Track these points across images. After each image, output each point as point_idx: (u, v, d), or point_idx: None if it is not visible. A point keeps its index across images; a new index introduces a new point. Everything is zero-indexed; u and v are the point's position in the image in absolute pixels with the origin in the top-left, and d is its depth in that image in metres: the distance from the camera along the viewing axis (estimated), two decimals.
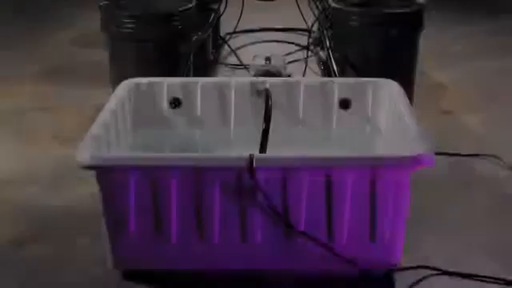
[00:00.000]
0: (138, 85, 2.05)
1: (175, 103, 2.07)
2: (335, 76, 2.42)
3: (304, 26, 3.56)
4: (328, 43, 2.65)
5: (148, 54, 2.57)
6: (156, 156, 1.67)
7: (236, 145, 2.06)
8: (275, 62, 2.69)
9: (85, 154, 1.55)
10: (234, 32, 3.69)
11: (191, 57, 2.54)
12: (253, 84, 2.06)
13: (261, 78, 2.09)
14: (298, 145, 2.05)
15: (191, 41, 2.65)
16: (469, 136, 2.55)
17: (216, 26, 3.39)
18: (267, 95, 1.97)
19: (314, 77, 2.65)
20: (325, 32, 2.70)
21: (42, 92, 3.05)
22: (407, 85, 2.58)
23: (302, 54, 3.49)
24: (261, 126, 1.94)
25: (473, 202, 2.09)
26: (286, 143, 2.02)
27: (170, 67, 2.55)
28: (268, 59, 2.69)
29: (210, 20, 2.92)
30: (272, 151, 1.81)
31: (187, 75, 2.56)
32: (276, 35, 3.86)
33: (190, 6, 2.64)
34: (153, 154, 1.85)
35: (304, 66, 3.00)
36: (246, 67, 3.00)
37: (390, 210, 1.59)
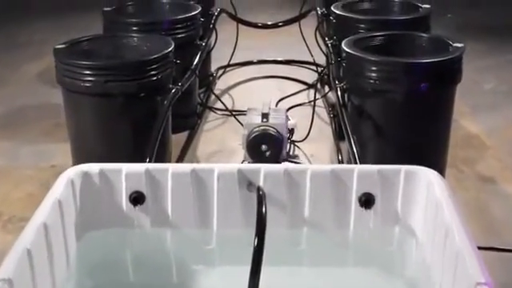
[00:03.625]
0: (86, 175, 1.53)
1: (137, 198, 1.54)
2: (354, 160, 1.87)
3: (306, 53, 3.05)
4: (340, 98, 2.11)
5: (114, 113, 2.05)
6: None
7: (219, 257, 1.54)
8: (274, 119, 2.17)
9: None
10: (228, 65, 3.16)
11: (162, 122, 2.00)
12: (242, 173, 1.53)
13: (252, 166, 1.56)
14: (303, 256, 1.52)
15: (169, 93, 2.12)
16: None
17: (205, 61, 2.87)
18: (260, 196, 1.43)
19: (323, 165, 2.10)
20: (337, 85, 2.15)
21: None
22: (439, 151, 2.06)
23: (307, 96, 2.98)
24: (252, 227, 1.41)
25: None
26: (287, 256, 1.50)
27: (142, 129, 2.03)
28: (265, 116, 2.16)
29: (194, 65, 2.38)
30: (268, 272, 1.27)
31: (163, 141, 2.04)
32: (276, 69, 3.33)
33: (169, 49, 2.11)
34: None
35: (310, 116, 2.46)
36: (234, 116, 2.48)
37: None
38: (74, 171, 1.52)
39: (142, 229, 1.56)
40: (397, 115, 2.05)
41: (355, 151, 1.90)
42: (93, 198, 1.53)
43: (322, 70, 3.14)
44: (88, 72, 1.98)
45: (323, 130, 2.63)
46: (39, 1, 4.85)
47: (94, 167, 1.54)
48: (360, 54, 2.03)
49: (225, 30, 3.16)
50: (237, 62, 3.27)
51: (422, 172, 1.53)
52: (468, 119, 2.64)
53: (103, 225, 1.55)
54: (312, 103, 2.85)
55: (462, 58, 2.03)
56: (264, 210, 1.39)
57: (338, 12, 2.51)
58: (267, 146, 2.12)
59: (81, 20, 2.68)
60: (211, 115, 2.78)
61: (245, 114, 2.75)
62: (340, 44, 2.39)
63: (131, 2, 2.71)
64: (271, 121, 2.16)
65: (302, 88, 3.09)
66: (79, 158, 2.14)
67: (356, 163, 1.84)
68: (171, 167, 1.55)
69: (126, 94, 2.02)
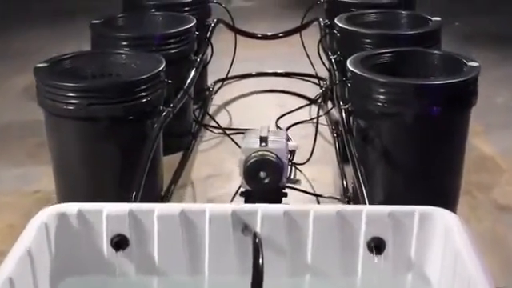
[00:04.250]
0: (62, 217, 1.37)
1: (120, 243, 1.38)
2: (361, 195, 1.71)
3: (307, 64, 2.90)
4: (345, 120, 1.95)
5: (99, 138, 1.89)
6: None
7: None
8: (273, 143, 2.00)
9: None
10: (226, 78, 3.00)
11: (152, 148, 1.84)
12: (236, 215, 1.37)
13: (248, 208, 1.39)
14: None
15: (160, 116, 1.96)
16: None
17: (201, 74, 2.70)
18: (256, 245, 1.27)
19: (328, 205, 1.94)
20: (341, 106, 1.99)
21: None
22: (452, 179, 1.90)
23: (308, 112, 2.81)
24: (248, 274, 1.25)
25: None
26: None
27: (130, 155, 1.87)
28: (264, 140, 1.99)
29: (186, 85, 2.22)
30: None
31: (153, 167, 1.88)
32: (277, 82, 3.17)
33: (159, 68, 1.95)
34: None
35: (312, 135, 2.30)
36: (230, 137, 2.31)
37: None
38: (49, 213, 1.36)
39: (125, 277, 1.40)
40: (407, 141, 1.88)
41: (363, 187, 1.74)
42: (70, 242, 1.37)
43: (324, 84, 2.98)
44: (70, 94, 1.82)
45: (326, 150, 2.47)
46: (39, 5, 4.69)
47: (71, 208, 1.38)
48: (367, 74, 1.87)
49: (223, 39, 3.01)
50: (235, 74, 3.11)
51: (439, 214, 1.37)
52: (481, 139, 2.47)
53: (82, 272, 1.39)
54: (314, 120, 2.71)
55: (478, 79, 1.87)
56: (261, 260, 1.23)
57: (342, 25, 2.34)
58: (266, 172, 1.96)
59: (82, 28, 2.51)
60: (207, 133, 2.61)
61: (242, 133, 2.60)
62: (344, 60, 2.24)
63: (122, 14, 2.54)
64: (270, 145, 1.98)
65: (303, 103, 2.92)
66: (62, 186, 1.98)
67: (364, 198, 1.68)
68: (158, 208, 1.39)
69: (112, 118, 1.86)
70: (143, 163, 1.83)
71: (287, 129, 2.64)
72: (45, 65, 1.94)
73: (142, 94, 1.88)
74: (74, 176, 1.94)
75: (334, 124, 2.60)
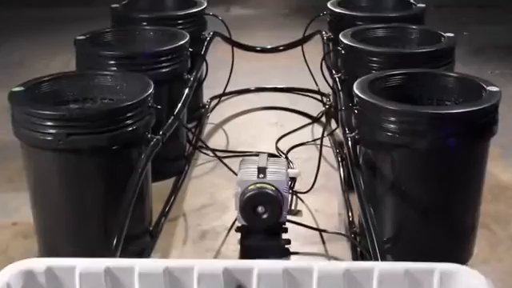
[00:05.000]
0: (28, 275, 1.19)
1: None
2: (372, 244, 1.52)
3: (309, 78, 2.73)
4: (351, 150, 1.77)
5: (80, 171, 1.71)
6: None
7: None
8: (272, 174, 1.82)
9: None
10: (223, 94, 2.82)
11: (138, 182, 1.66)
12: (229, 273, 1.19)
13: (242, 264, 1.21)
14: None
15: (147, 145, 1.78)
16: None
17: (197, 91, 2.53)
18: None
19: (334, 262, 1.76)
20: (347, 134, 1.81)
21: None
22: (469, 215, 1.74)
23: (311, 132, 2.64)
24: None
25: None
26: None
27: (115, 188, 1.70)
28: (262, 171, 1.82)
29: (177, 110, 2.04)
30: None
31: (140, 199, 1.71)
32: (277, 98, 2.99)
33: (147, 92, 1.77)
34: None
35: (314, 158, 2.13)
36: (224, 163, 2.13)
37: None
38: (12, 272, 1.18)
39: None
40: (420, 174, 1.70)
41: (371, 228, 1.55)
42: None
43: (327, 101, 2.80)
44: (48, 123, 1.64)
45: (330, 176, 2.29)
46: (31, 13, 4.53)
47: (39, 264, 1.21)
48: (376, 100, 1.68)
49: (220, 49, 2.83)
50: (232, 89, 2.93)
51: (463, 274, 1.19)
52: (498, 164, 2.28)
53: None
54: (316, 141, 2.53)
55: (499, 106, 1.69)
56: None
57: (347, 42, 2.16)
58: (264, 207, 1.78)
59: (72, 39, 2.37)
60: (202, 156, 2.43)
61: (239, 156, 2.43)
62: (349, 79, 2.08)
63: (109, 29, 2.36)
64: (269, 177, 1.81)
65: (304, 121, 2.74)
66: (41, 224, 1.80)
67: (373, 243, 1.49)
68: (139, 265, 1.21)
69: (94, 149, 1.68)
70: (127, 200, 1.65)
71: (288, 151, 2.46)
72: (20, 89, 1.76)
73: (128, 121, 1.70)
74: (54, 212, 1.76)
75: (338, 146, 2.41)
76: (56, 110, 1.70)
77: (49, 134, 1.64)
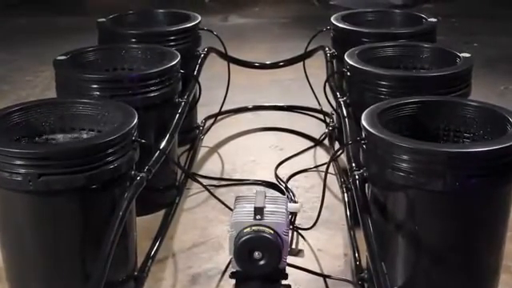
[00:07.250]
0: None
1: None
2: None
3: (309, 95, 2.55)
4: (359, 190, 1.59)
5: (54, 214, 1.52)
6: None
7: None
8: (271, 215, 1.63)
9: None
10: (219, 114, 2.64)
11: (122, 220, 1.48)
12: None
13: None
14: None
15: (131, 183, 1.59)
16: None
17: (191, 110, 2.35)
18: None
19: None
20: (355, 171, 1.63)
21: None
22: (490, 263, 1.56)
23: (313, 156, 2.45)
24: None
25: None
26: None
27: (94, 231, 1.52)
28: (259, 211, 1.63)
29: (163, 145, 1.85)
30: None
31: (124, 241, 1.53)
32: (276, 117, 2.80)
33: (129, 126, 1.57)
34: None
35: (317, 187, 1.94)
36: (216, 197, 1.93)
37: None
38: None
39: None
40: (436, 217, 1.51)
41: (380, 275, 1.37)
42: None
43: (330, 121, 2.61)
44: (17, 162, 1.44)
45: (334, 208, 2.10)
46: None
47: None
48: (387, 136, 1.49)
49: (216, 63, 2.64)
50: (229, 108, 2.75)
51: None
52: None
53: None
54: (319, 167, 2.35)
55: None
56: None
57: (353, 64, 1.97)
58: (261, 252, 1.59)
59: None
60: (195, 185, 2.23)
61: (235, 185, 2.26)
62: (355, 104, 1.91)
63: (94, 47, 2.16)
64: (267, 218, 1.62)
65: (306, 144, 2.55)
66: (13, 271, 1.61)
67: None
68: None
69: (70, 190, 1.49)
70: (107, 246, 1.46)
71: (288, 179, 2.27)
72: None
73: (109, 159, 1.51)
74: (26, 259, 1.57)
75: (342, 175, 2.22)
76: (25, 148, 1.51)
77: (18, 173, 1.45)
